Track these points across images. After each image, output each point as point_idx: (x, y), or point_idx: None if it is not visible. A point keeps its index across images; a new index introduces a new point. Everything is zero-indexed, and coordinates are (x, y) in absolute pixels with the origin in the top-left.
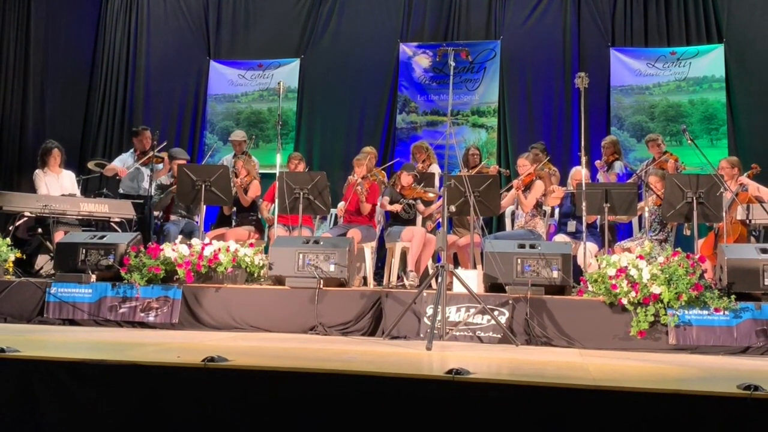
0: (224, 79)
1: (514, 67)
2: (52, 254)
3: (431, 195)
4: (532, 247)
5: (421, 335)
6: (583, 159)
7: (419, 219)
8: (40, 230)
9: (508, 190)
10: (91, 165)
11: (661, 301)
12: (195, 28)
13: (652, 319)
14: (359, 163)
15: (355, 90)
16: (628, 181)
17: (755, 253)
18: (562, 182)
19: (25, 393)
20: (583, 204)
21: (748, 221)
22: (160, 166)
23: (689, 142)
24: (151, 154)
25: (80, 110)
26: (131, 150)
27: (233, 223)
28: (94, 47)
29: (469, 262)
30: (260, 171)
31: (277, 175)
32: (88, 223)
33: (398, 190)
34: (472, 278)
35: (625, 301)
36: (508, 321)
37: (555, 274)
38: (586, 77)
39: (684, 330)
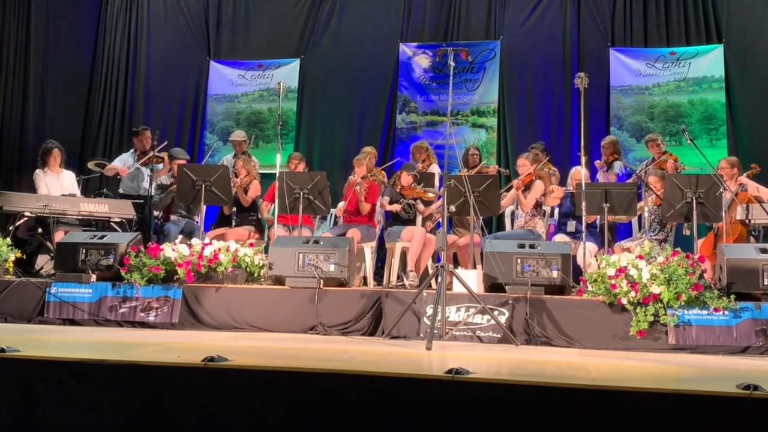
0: (224, 79)
1: (513, 68)
2: (52, 254)
3: (431, 195)
4: (531, 247)
5: (421, 335)
6: (583, 159)
7: (419, 219)
8: (40, 230)
9: (508, 190)
10: (91, 165)
11: (661, 301)
12: (195, 28)
13: (651, 318)
14: (359, 163)
15: (355, 90)
16: (628, 181)
17: (755, 253)
18: (562, 182)
19: (26, 393)
20: (583, 204)
21: (747, 221)
22: (160, 166)
23: (689, 142)
24: (151, 154)
25: (80, 110)
26: (131, 150)
27: (233, 223)
28: (94, 47)
29: (468, 262)
30: (260, 171)
31: (277, 175)
32: (89, 223)
33: (398, 190)
34: (471, 278)
35: (624, 301)
36: (508, 321)
37: (555, 274)
38: (586, 77)
39: (684, 330)
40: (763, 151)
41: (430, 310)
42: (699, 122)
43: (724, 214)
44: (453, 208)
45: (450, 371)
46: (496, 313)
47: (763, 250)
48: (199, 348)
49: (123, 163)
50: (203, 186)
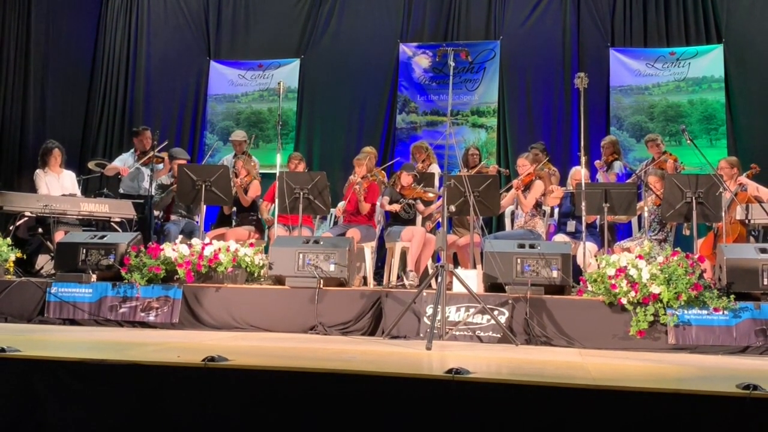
0: (224, 79)
1: (513, 68)
2: (52, 254)
3: (431, 195)
4: (531, 246)
5: (421, 335)
6: (583, 159)
7: (419, 219)
8: (40, 230)
9: (508, 190)
10: (91, 165)
11: (661, 301)
12: (195, 28)
13: (651, 318)
14: (359, 162)
15: (355, 90)
16: (628, 181)
17: (754, 253)
18: (562, 182)
19: (26, 392)
20: (583, 204)
21: (747, 221)
22: (161, 166)
23: (688, 142)
24: (151, 154)
25: (80, 110)
26: (131, 150)
27: (233, 223)
28: (95, 47)
29: (468, 262)
30: (260, 171)
31: (277, 175)
32: (89, 223)
33: (398, 190)
34: (471, 278)
35: (624, 300)
36: (508, 321)
37: (554, 273)
38: (586, 77)
39: (683, 330)
40: (763, 151)
41: (430, 310)
42: (699, 122)
43: (723, 214)
44: (453, 208)
45: (450, 371)
46: (496, 313)
47: (763, 250)
48: (199, 348)
49: (123, 162)
50: (203, 186)
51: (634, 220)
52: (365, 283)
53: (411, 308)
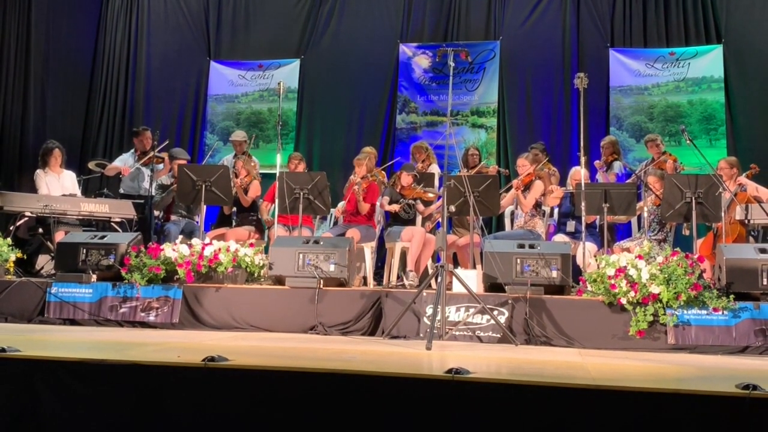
0: (224, 79)
1: (513, 68)
2: (52, 254)
3: (431, 195)
4: (531, 247)
5: (421, 335)
6: (583, 159)
7: (419, 219)
8: (40, 230)
9: (508, 190)
10: (91, 165)
11: (660, 301)
12: (195, 28)
13: (651, 318)
14: (359, 163)
15: (355, 90)
16: (627, 181)
17: (754, 253)
18: (562, 182)
19: (26, 392)
20: (583, 204)
21: (746, 221)
22: (161, 166)
23: (688, 142)
24: (151, 154)
25: (81, 110)
26: (132, 150)
27: (233, 223)
28: (95, 48)
29: (468, 262)
30: (260, 171)
31: (277, 175)
32: (89, 223)
33: (398, 190)
34: (471, 278)
35: (624, 300)
36: (508, 321)
37: (554, 273)
38: (586, 78)
39: (683, 330)
40: (763, 152)
41: (429, 310)
42: (698, 122)
43: (723, 214)
44: (453, 208)
45: (450, 371)
46: (495, 313)
47: (762, 250)
48: (199, 348)
49: (123, 163)
50: (203, 186)
51: (634, 221)
52: (365, 283)
53: (411, 308)
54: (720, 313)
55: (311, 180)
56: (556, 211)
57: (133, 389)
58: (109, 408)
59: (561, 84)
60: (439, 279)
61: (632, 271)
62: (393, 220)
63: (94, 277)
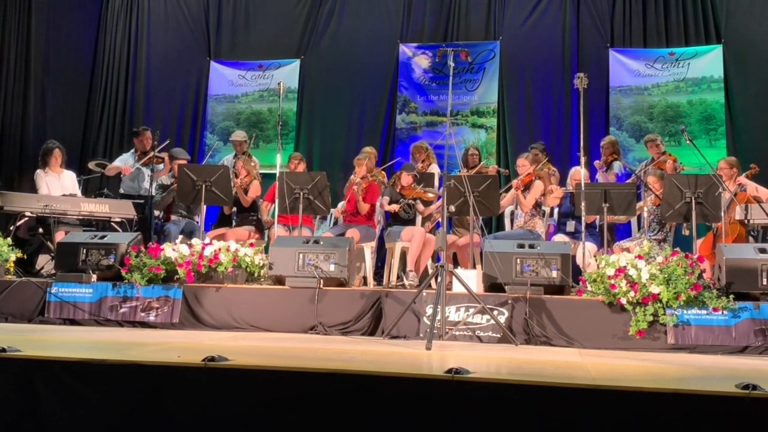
0: (224, 79)
1: (513, 68)
2: (52, 254)
3: (431, 195)
4: (531, 247)
5: (421, 335)
6: (582, 159)
7: (419, 219)
8: (41, 230)
9: (507, 190)
10: (91, 165)
11: (660, 301)
12: (195, 28)
13: (650, 318)
14: (359, 163)
15: (355, 90)
16: (627, 181)
17: (753, 253)
18: (562, 182)
19: (27, 392)
20: (582, 204)
21: (746, 221)
22: (161, 166)
23: (688, 142)
24: (151, 154)
25: (81, 111)
26: (132, 150)
27: (233, 223)
28: (95, 48)
29: (468, 262)
30: (260, 171)
31: (277, 175)
32: (89, 223)
33: (398, 190)
34: (471, 278)
35: (624, 300)
36: (508, 321)
37: (554, 273)
38: (585, 78)
39: (683, 329)
40: (762, 152)
41: (429, 310)
42: (698, 122)
43: (723, 214)
44: (453, 208)
45: (450, 371)
46: (495, 312)
47: (762, 250)
48: (199, 348)
49: (124, 163)
50: (203, 186)
51: (634, 221)
52: (365, 283)
53: (411, 308)
54: (720, 313)
55: (311, 180)
56: (555, 211)
57: (133, 389)
58: (109, 408)
59: (561, 84)
60: (439, 279)
61: (632, 271)
62: (393, 220)
63: (94, 277)
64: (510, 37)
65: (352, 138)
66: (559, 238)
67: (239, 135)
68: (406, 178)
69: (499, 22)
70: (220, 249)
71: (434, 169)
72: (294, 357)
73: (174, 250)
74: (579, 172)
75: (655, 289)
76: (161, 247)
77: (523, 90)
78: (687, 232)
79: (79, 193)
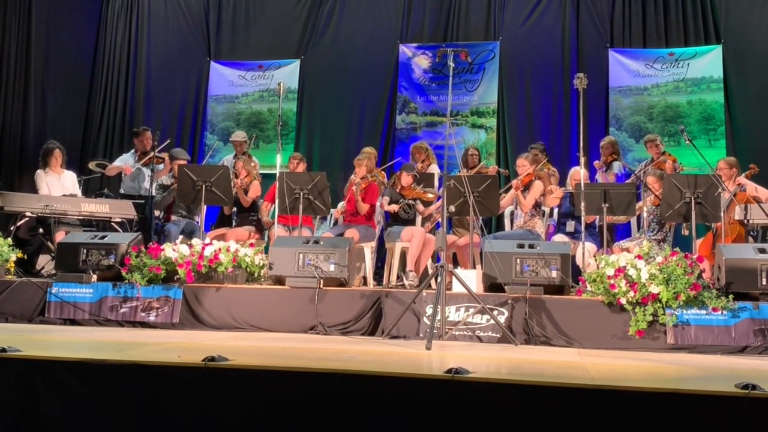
0: (224, 79)
1: (513, 68)
2: (53, 254)
3: (431, 195)
4: (531, 247)
5: (421, 335)
6: (582, 159)
7: (419, 219)
8: (41, 230)
9: (507, 190)
10: (92, 165)
11: (660, 301)
12: (195, 28)
13: (650, 318)
14: (359, 163)
15: (355, 91)
16: (627, 181)
17: (753, 253)
18: (561, 182)
19: (27, 392)
20: (582, 204)
21: (746, 221)
22: (161, 166)
23: (687, 142)
24: (152, 154)
25: (81, 111)
26: (132, 150)
27: (233, 224)
28: (95, 48)
29: (468, 262)
30: (260, 171)
31: (277, 175)
32: (89, 223)
33: (398, 191)
34: (471, 278)
35: (623, 300)
36: (507, 321)
37: (554, 273)
38: (585, 78)
39: (682, 329)
40: (762, 152)
41: (429, 310)
42: (697, 123)
43: (722, 214)
44: (452, 209)
45: (450, 371)
46: (495, 312)
47: (762, 250)
48: (199, 348)
49: (124, 163)
50: (204, 186)
51: (633, 221)
52: (365, 283)
53: (411, 308)
54: (719, 313)
55: (311, 180)
56: (555, 211)
57: (133, 389)
58: (109, 408)
59: (560, 84)
60: (438, 279)
61: (632, 271)
62: (393, 220)
63: (94, 277)
64: (510, 37)
65: (352, 138)
66: (559, 238)
67: (239, 135)
68: (406, 179)
69: (498, 22)
70: (220, 249)
71: (434, 169)
72: (294, 357)
73: (174, 250)
74: (579, 173)
75: (654, 289)
76: (161, 247)
77: (523, 90)
78: (686, 232)
79: (79, 193)
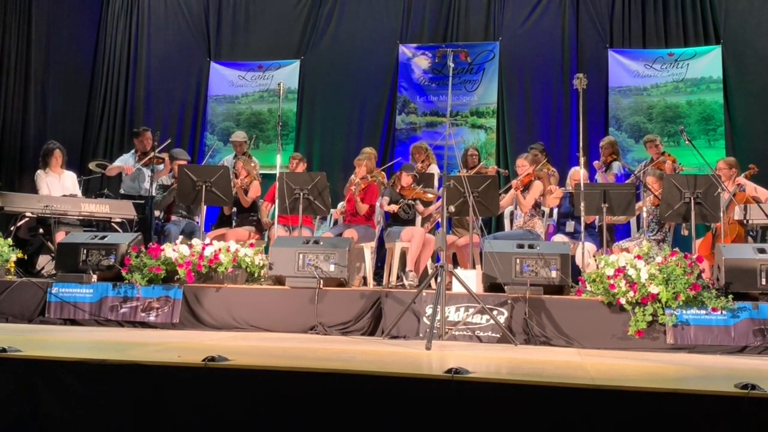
0: (224, 80)
1: (512, 68)
2: (53, 254)
3: (430, 195)
4: (530, 247)
5: (421, 335)
6: (582, 159)
7: (418, 219)
8: (41, 230)
9: (507, 190)
10: (92, 166)
11: (659, 301)
12: (195, 29)
13: (650, 318)
14: (359, 163)
15: (355, 91)
16: (626, 181)
17: (752, 253)
18: (561, 183)
19: (27, 392)
20: (582, 204)
21: (745, 221)
22: (161, 166)
23: (687, 142)
24: (152, 154)
25: (81, 111)
26: (132, 151)
27: (233, 224)
28: (95, 48)
29: (468, 262)
30: (260, 172)
31: (277, 175)
32: (89, 223)
33: (398, 191)
34: (471, 278)
35: (623, 300)
36: (507, 321)
37: (553, 274)
38: (585, 78)
39: (682, 329)
40: (761, 152)
41: (429, 310)
42: (697, 123)
43: (722, 214)
44: (452, 209)
45: (449, 371)
46: (495, 312)
47: (761, 250)
48: (199, 348)
49: (124, 163)
50: (204, 186)
51: (633, 221)
52: (365, 284)
53: (411, 308)
54: (719, 313)
55: (311, 180)
56: (555, 211)
57: (133, 389)
58: (109, 408)
59: (560, 84)
60: (438, 279)
61: (631, 271)
62: (393, 220)
63: (94, 278)
64: (509, 37)
65: (352, 138)
66: (559, 238)
67: (239, 135)
68: (405, 179)
69: (498, 22)
70: (220, 249)
71: (434, 169)
72: (294, 357)
73: (174, 250)
74: (578, 173)
75: (654, 289)
76: (161, 247)
77: (523, 90)
78: (686, 233)
79: (79, 193)
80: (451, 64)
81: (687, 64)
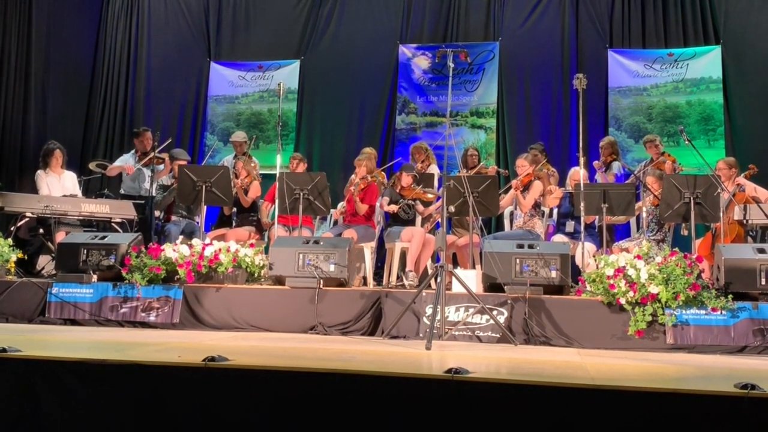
0: (224, 80)
1: (512, 69)
2: (53, 255)
3: (430, 195)
4: (530, 247)
5: (421, 335)
6: (582, 160)
7: (418, 219)
8: (41, 231)
9: (507, 190)
10: (92, 166)
11: (659, 301)
12: (195, 29)
13: (649, 318)
14: (360, 163)
15: (355, 91)
16: (626, 181)
17: (752, 253)
18: (561, 183)
19: (27, 392)
20: (582, 204)
21: (745, 221)
22: (161, 167)
23: (686, 142)
24: (152, 154)
25: (81, 111)
26: (132, 151)
27: (234, 224)
28: (95, 48)
29: (468, 262)
30: (260, 172)
31: (277, 175)
32: (90, 223)
33: (398, 191)
34: (471, 278)
35: (623, 300)
36: (507, 321)
37: (553, 274)
38: (585, 78)
39: (681, 329)
40: (761, 152)
41: (429, 310)
42: (697, 123)
43: (721, 214)
44: (452, 209)
45: (449, 371)
46: (495, 312)
47: (761, 250)
48: (199, 348)
49: (124, 163)
50: (204, 187)
51: (633, 221)
52: (365, 284)
53: (411, 308)
54: (718, 313)
55: (311, 180)
56: (555, 211)
57: (133, 389)
58: (109, 408)
59: (560, 85)
60: (438, 279)
61: (631, 271)
62: (393, 220)
63: (94, 278)
64: (509, 37)
65: (352, 138)
66: (559, 238)
67: (239, 136)
68: (405, 179)
69: (498, 22)
70: (220, 249)
71: (434, 169)
72: (294, 357)
73: (174, 250)
74: (578, 173)
75: (654, 289)
76: (162, 247)
77: (523, 91)
78: (686, 233)
79: (79, 193)
80: (451, 64)
81: (687, 64)
